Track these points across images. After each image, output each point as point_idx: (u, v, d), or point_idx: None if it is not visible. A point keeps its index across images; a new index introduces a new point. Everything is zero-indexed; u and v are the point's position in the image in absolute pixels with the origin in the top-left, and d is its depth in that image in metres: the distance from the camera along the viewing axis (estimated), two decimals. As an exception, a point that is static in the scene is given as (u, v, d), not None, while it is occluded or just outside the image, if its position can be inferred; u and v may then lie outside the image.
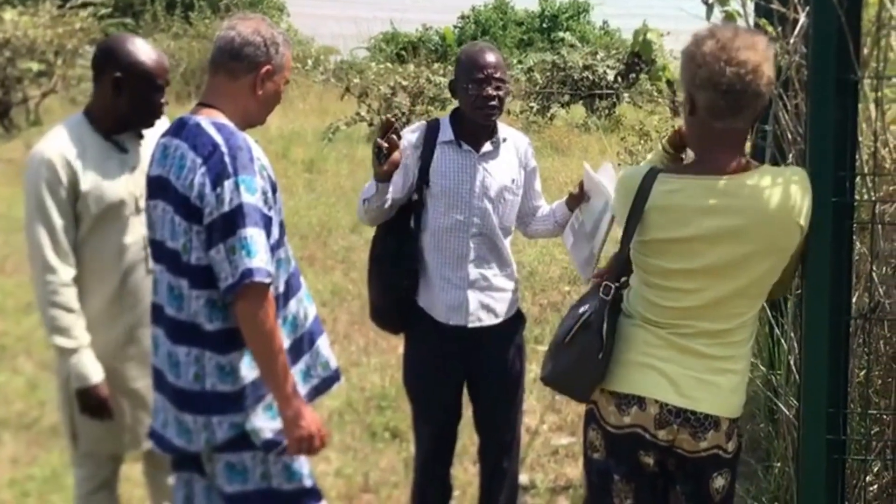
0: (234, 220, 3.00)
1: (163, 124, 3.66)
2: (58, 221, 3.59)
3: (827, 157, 2.85)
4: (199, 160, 3.06)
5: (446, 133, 4.15)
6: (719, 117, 2.83)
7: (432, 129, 4.18)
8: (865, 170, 3.26)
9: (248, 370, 3.12)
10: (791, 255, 2.90)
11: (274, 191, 3.17)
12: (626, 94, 20.20)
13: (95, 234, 3.69)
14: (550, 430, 6.01)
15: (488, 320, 4.19)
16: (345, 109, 18.76)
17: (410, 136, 4.15)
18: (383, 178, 3.93)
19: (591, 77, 20.10)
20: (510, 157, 4.22)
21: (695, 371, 2.95)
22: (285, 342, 3.21)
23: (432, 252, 4.15)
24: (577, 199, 4.18)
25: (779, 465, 4.27)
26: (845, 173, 2.86)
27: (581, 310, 3.10)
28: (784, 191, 2.82)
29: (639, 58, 20.23)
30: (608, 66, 20.38)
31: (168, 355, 3.21)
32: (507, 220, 4.23)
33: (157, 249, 3.24)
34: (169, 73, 3.84)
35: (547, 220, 4.37)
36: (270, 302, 3.04)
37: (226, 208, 3.00)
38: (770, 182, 2.84)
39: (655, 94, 19.86)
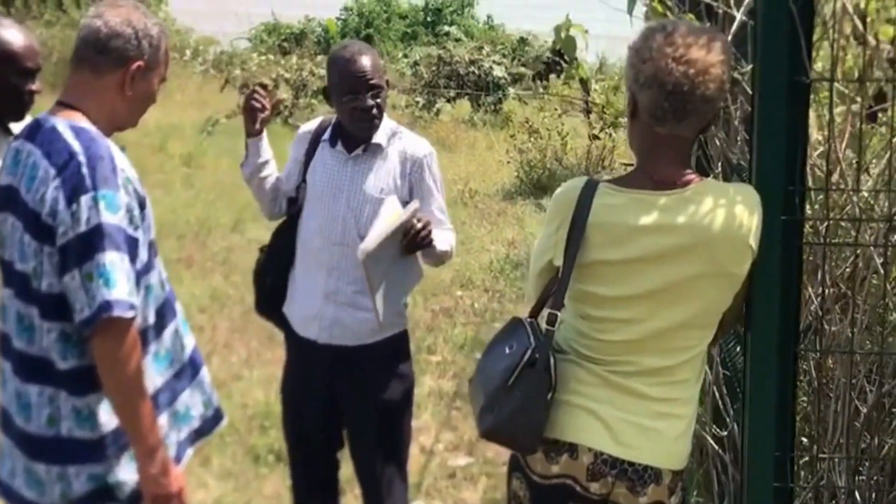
0: (91, 242, 2.56)
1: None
2: None
3: (777, 170, 2.51)
4: (52, 171, 2.62)
5: (328, 130, 3.84)
6: (662, 121, 2.49)
7: (323, 126, 3.88)
8: (811, 184, 2.95)
9: (110, 415, 2.69)
10: (743, 281, 2.57)
11: (142, 207, 2.74)
12: (511, 90, 20.05)
13: None
14: (447, 450, 5.64)
15: (343, 340, 3.75)
16: (225, 102, 18.20)
17: (305, 130, 3.94)
18: (255, 133, 3.83)
19: (476, 72, 19.92)
20: (391, 164, 3.77)
21: (634, 415, 2.59)
22: (159, 379, 2.81)
23: (300, 256, 3.83)
24: None
25: (700, 500, 3.96)
26: (794, 188, 2.54)
27: (508, 349, 2.68)
28: (730, 208, 2.50)
29: (560, 55, 20.00)
30: (494, 62, 20.27)
31: (17, 395, 2.76)
32: None
33: (7, 271, 2.78)
34: (40, 58, 3.46)
35: None
36: (133, 339, 2.62)
37: (82, 228, 2.56)
38: (715, 199, 2.51)
39: (542, 90, 19.69)
